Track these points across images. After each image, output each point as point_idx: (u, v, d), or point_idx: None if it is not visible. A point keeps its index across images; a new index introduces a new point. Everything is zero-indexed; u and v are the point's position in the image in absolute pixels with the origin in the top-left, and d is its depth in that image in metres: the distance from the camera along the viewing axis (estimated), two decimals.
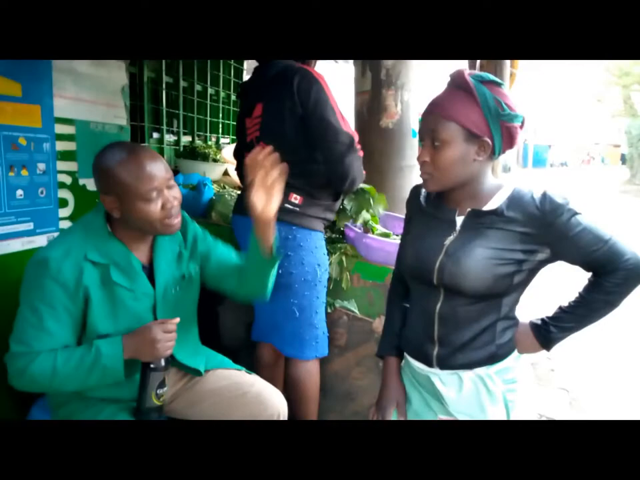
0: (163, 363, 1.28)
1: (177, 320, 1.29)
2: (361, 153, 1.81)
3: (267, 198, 1.28)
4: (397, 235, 2.23)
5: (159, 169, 1.26)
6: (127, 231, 1.32)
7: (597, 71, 22.47)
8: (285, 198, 1.76)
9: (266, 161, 1.24)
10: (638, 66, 19.73)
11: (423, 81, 2.68)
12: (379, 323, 2.04)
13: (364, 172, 1.91)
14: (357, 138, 1.78)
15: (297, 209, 1.77)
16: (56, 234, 1.93)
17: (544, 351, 1.21)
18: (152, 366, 1.27)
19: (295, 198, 1.77)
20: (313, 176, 1.79)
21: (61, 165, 1.94)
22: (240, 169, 2.00)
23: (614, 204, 11.63)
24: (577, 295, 1.17)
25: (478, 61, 2.54)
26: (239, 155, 2.01)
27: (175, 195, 1.30)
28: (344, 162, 1.74)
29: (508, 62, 2.65)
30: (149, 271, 1.37)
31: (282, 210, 1.71)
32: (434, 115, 1.12)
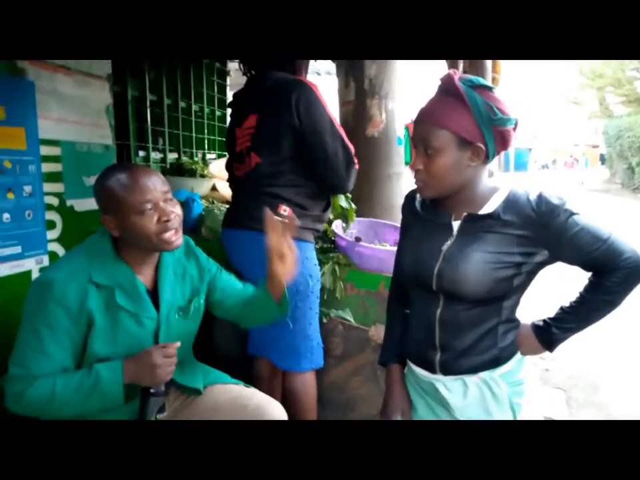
0: (163, 388, 1.26)
1: (178, 344, 1.27)
2: (357, 166, 1.83)
3: (283, 260, 1.39)
4: (385, 242, 2.24)
5: (153, 181, 1.25)
6: (131, 252, 1.30)
7: (571, 74, 22.91)
8: (274, 210, 1.75)
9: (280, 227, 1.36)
10: (610, 68, 20.15)
11: (406, 89, 2.71)
12: (374, 331, 2.03)
13: None
14: (354, 150, 1.80)
15: (286, 220, 1.77)
16: (45, 257, 1.90)
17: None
18: (152, 391, 1.25)
19: (284, 210, 1.76)
20: (302, 187, 1.78)
21: (48, 187, 1.91)
22: (231, 181, 1.99)
23: (596, 203, 11.81)
24: (578, 295, 1.17)
25: (461, 67, 2.57)
26: (229, 166, 1.99)
27: (173, 209, 1.28)
28: (348, 172, 1.78)
29: (490, 68, 2.69)
30: (153, 294, 1.35)
31: None
32: (425, 123, 1.11)
